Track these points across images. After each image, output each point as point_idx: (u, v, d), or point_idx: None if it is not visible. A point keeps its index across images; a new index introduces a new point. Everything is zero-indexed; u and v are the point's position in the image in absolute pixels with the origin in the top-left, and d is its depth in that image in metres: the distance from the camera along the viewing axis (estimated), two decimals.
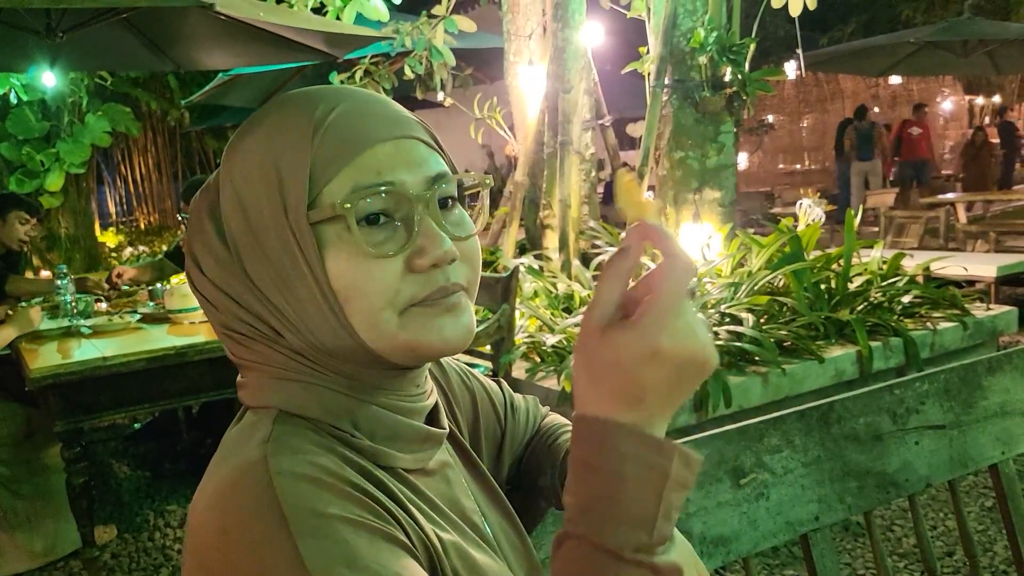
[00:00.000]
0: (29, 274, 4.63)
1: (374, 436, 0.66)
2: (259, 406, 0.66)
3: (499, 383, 0.95)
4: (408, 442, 0.68)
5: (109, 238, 10.57)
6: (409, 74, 5.24)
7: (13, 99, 6.20)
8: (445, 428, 0.74)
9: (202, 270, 0.66)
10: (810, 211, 4.56)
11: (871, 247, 4.05)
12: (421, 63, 5.19)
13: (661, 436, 0.55)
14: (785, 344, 3.27)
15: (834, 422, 1.15)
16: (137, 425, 4.24)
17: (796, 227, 4.13)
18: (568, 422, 0.95)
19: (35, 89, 6.22)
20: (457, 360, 0.91)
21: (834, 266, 3.77)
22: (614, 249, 0.58)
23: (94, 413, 2.61)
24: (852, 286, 3.70)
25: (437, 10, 5.06)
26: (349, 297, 0.62)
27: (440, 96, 5.23)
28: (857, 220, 3.92)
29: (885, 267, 3.88)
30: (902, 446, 1.20)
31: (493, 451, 0.90)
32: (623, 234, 0.60)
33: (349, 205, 0.60)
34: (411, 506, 0.63)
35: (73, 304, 3.18)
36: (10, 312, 2.98)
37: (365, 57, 5.38)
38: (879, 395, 1.20)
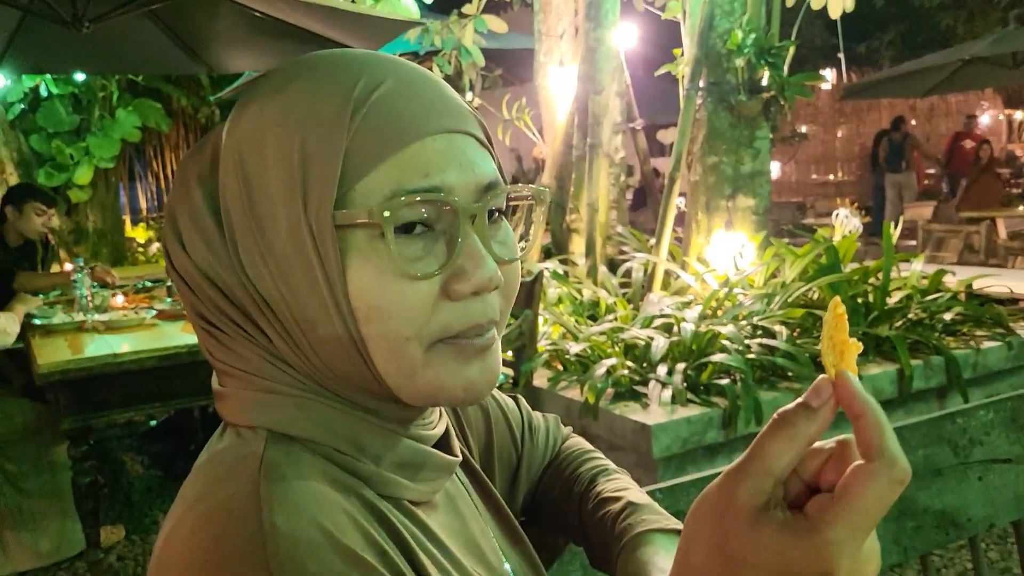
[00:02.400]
0: (56, 267, 4.61)
1: (380, 461, 0.55)
2: (244, 424, 0.54)
3: (516, 400, 0.85)
4: (417, 469, 0.57)
5: (139, 233, 10.63)
6: (437, 73, 5.17)
7: (44, 92, 6.21)
8: (458, 455, 0.63)
9: (184, 247, 0.55)
10: (846, 222, 4.41)
11: (909, 261, 3.89)
12: (450, 63, 5.12)
13: None
14: (820, 360, 3.12)
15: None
16: (153, 423, 4.20)
17: (832, 238, 3.98)
18: (592, 448, 0.85)
19: (66, 83, 6.24)
20: None
21: (872, 280, 3.62)
22: (799, 401, 0.45)
23: (103, 411, 2.55)
24: (891, 301, 3.55)
25: (468, 9, 4.99)
26: (370, 319, 0.51)
27: (468, 97, 5.16)
28: (896, 233, 3.77)
29: (926, 282, 3.72)
30: (964, 481, 1.08)
31: (508, 477, 0.80)
32: (818, 380, 0.46)
33: (389, 213, 0.49)
34: (422, 554, 0.53)
35: (89, 298, 3.13)
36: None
37: None
38: (939, 424, 1.08)
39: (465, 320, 0.53)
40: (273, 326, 0.54)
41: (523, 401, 0.85)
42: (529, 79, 5.26)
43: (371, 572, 0.46)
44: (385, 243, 0.50)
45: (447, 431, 0.63)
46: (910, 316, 3.49)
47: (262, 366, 0.55)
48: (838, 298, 0.50)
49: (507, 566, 0.65)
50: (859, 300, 3.50)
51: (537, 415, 0.86)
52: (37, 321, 2.93)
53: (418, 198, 0.50)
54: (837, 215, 4.55)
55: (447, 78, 5.25)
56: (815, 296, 3.51)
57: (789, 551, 0.41)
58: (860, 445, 0.43)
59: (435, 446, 0.60)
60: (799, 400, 0.45)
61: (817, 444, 0.45)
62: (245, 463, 0.50)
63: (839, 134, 14.51)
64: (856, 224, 4.41)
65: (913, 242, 6.78)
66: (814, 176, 14.59)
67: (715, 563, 0.44)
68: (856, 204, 6.02)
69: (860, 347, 0.47)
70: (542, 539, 0.81)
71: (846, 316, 0.47)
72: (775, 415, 0.44)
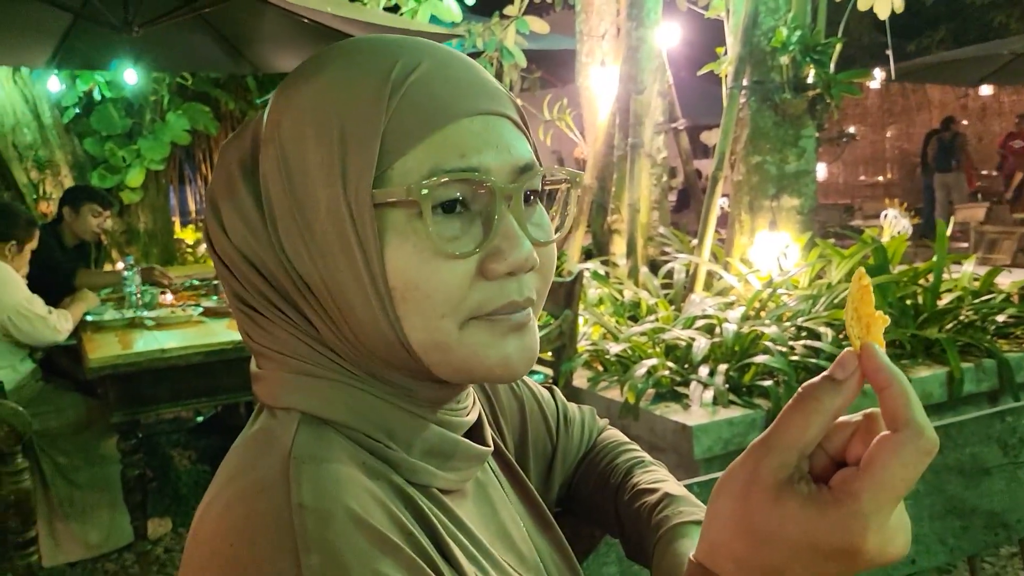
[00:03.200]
0: (108, 266, 4.73)
1: (411, 449, 0.55)
2: (278, 406, 0.55)
3: (552, 391, 0.84)
4: (448, 458, 0.58)
5: (188, 234, 10.86)
6: None
7: (97, 96, 6.38)
8: (489, 445, 0.63)
9: (227, 232, 0.56)
10: (895, 223, 4.33)
11: (961, 262, 3.79)
12: (492, 64, 5.14)
13: None
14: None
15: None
16: (200, 418, 4.28)
17: (880, 239, 3.90)
18: (628, 440, 0.84)
19: (118, 87, 6.40)
20: None
21: (921, 281, 3.54)
22: (824, 374, 0.44)
23: (151, 405, 2.61)
24: (941, 303, 3.46)
25: (509, 11, 5.00)
26: (407, 297, 0.51)
27: None
28: (948, 233, 3.68)
29: (978, 284, 3.63)
30: (1013, 481, 1.05)
31: (543, 468, 0.80)
32: (842, 354, 0.45)
33: (427, 191, 0.49)
34: (451, 541, 0.53)
35: (138, 296, 3.20)
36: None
37: None
38: (988, 422, 1.05)
39: (500, 299, 0.53)
40: (312, 306, 0.54)
41: (559, 392, 0.85)
42: (570, 80, 5.25)
43: (396, 552, 0.46)
44: (423, 222, 0.50)
45: (480, 420, 0.64)
46: (961, 318, 3.40)
47: (298, 348, 0.55)
48: (862, 270, 0.48)
49: (535, 556, 0.65)
50: (908, 302, 3.42)
51: (573, 406, 0.85)
52: (89, 317, 3.01)
53: (455, 178, 0.51)
54: (886, 216, 4.47)
55: None
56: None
57: (813, 524, 0.41)
58: (886, 416, 0.42)
59: (467, 434, 0.61)
60: (824, 373, 0.44)
61: (844, 418, 0.45)
62: (277, 444, 0.51)
63: (888, 134, 14.21)
64: (905, 225, 4.32)
65: (965, 244, 6.61)
66: (862, 177, 14.32)
67: (740, 538, 0.44)
68: (905, 205, 5.88)
69: (887, 320, 0.45)
70: (577, 530, 0.81)
71: (871, 288, 0.46)
72: (800, 389, 0.44)
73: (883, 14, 4.05)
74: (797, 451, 0.43)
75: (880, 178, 14.12)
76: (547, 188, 0.59)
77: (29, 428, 2.29)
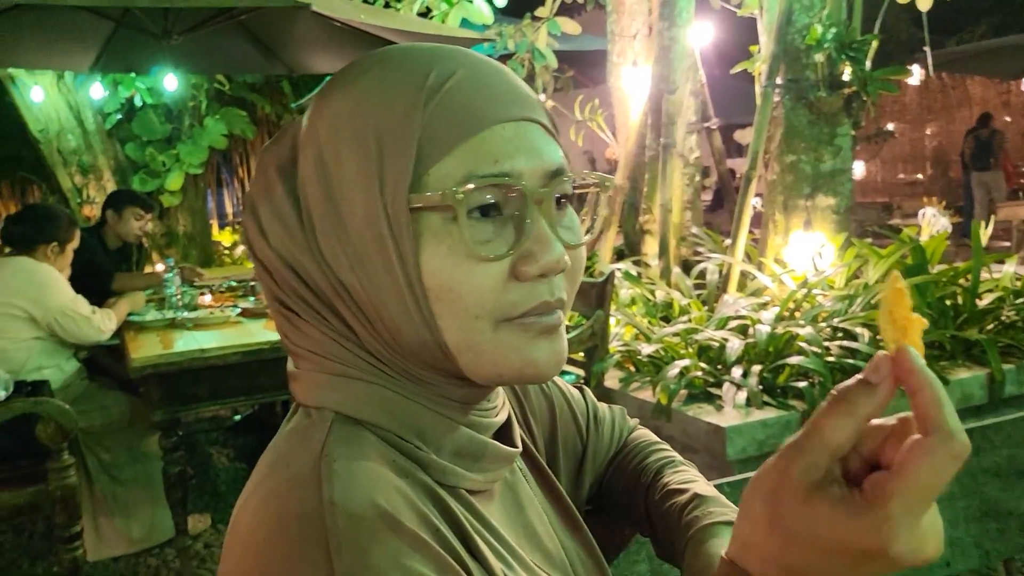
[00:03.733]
0: (148, 268, 4.83)
1: (440, 450, 0.57)
2: (313, 405, 0.57)
3: (582, 390, 0.85)
4: (476, 459, 0.59)
5: (225, 237, 11.03)
6: None
7: (138, 102, 6.52)
8: (518, 446, 0.64)
9: (265, 235, 0.57)
10: (934, 221, 4.26)
11: (1002, 262, 3.72)
12: (523, 65, 5.16)
13: None
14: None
15: (971, 453, 1.00)
16: (237, 417, 4.35)
17: (919, 238, 3.84)
18: (659, 440, 0.85)
19: (158, 93, 6.53)
20: None
21: (961, 281, 3.48)
22: (857, 377, 0.44)
23: (191, 404, 2.66)
24: (981, 303, 3.40)
25: (541, 12, 5.01)
26: (442, 299, 0.53)
27: (541, 98, 5.17)
28: (988, 232, 3.61)
29: (1020, 284, 3.56)
30: None
31: (572, 468, 0.81)
32: (877, 356, 0.45)
33: (463, 196, 0.51)
34: (479, 539, 0.54)
35: (178, 297, 3.27)
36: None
37: None
38: None
39: (532, 299, 0.54)
40: (349, 308, 0.56)
41: (589, 392, 0.86)
42: (602, 80, 5.25)
43: (425, 548, 0.48)
44: (458, 225, 0.52)
45: (509, 421, 0.65)
46: (1002, 319, 3.34)
47: (334, 349, 0.57)
48: (897, 272, 0.49)
49: (563, 556, 0.66)
50: (947, 302, 3.37)
51: (603, 406, 0.86)
52: (131, 318, 3.08)
53: (489, 183, 0.52)
54: (924, 215, 4.40)
55: None
56: None
57: (844, 526, 0.42)
58: (918, 420, 0.43)
59: (496, 435, 0.62)
60: (857, 376, 0.45)
61: (878, 421, 0.45)
62: (310, 443, 0.53)
63: (928, 131, 13.96)
64: (944, 224, 4.25)
65: (1008, 243, 6.48)
66: (901, 176, 14.08)
67: (771, 538, 0.44)
68: (945, 204, 5.78)
69: (925, 323, 0.45)
70: (608, 530, 0.81)
71: (907, 291, 0.46)
72: (832, 391, 0.44)
73: (924, 5, 3.99)
74: (828, 454, 0.43)
75: (919, 176, 13.87)
76: (577, 192, 0.60)
77: (75, 425, 2.36)
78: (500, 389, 0.65)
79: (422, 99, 0.53)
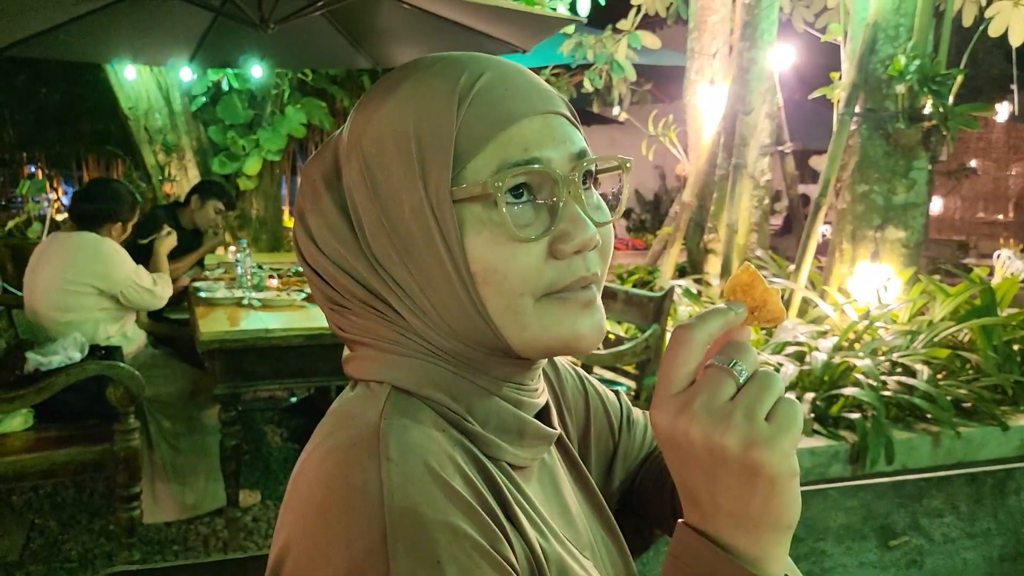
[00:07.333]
0: (220, 251, 5.00)
1: (486, 424, 0.62)
2: (371, 379, 0.63)
3: (617, 394, 0.89)
4: (518, 436, 0.64)
5: None
6: (588, 87, 5.24)
7: (224, 87, 6.76)
8: (556, 429, 0.69)
9: (315, 242, 0.63)
10: (1009, 263, 4.14)
11: None
12: (601, 77, 5.18)
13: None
14: (963, 404, 2.96)
15: (1012, 492, 1.00)
16: (293, 399, 4.48)
17: (990, 279, 3.74)
18: None
19: (244, 79, 6.76)
20: (574, 365, 0.86)
21: None
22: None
23: (252, 381, 2.76)
24: None
25: (622, 24, 5.03)
26: (487, 280, 0.58)
27: (616, 111, 5.19)
28: None
29: None
30: None
31: (603, 464, 0.85)
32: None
33: (501, 184, 0.56)
34: (517, 508, 0.59)
35: (248, 278, 3.40)
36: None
37: (546, 68, 5.43)
38: None
39: (570, 275, 0.59)
40: (402, 300, 0.61)
41: (623, 395, 0.90)
42: (678, 96, 5.24)
43: (468, 508, 0.53)
44: (498, 211, 0.57)
45: (548, 407, 0.70)
46: None
47: (388, 334, 0.62)
48: (749, 264, 0.57)
49: (590, 537, 0.70)
50: (1015, 347, 3.28)
51: (637, 410, 0.90)
52: (203, 295, 3.21)
53: (523, 170, 0.58)
54: (999, 256, 4.28)
55: (596, 91, 5.31)
56: (965, 338, 3.32)
57: (695, 431, 0.51)
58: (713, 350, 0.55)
59: (536, 417, 0.66)
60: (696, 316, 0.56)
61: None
62: (370, 408, 0.59)
63: (1013, 171, 13.48)
64: (1020, 267, 4.13)
65: None
66: (981, 214, 13.62)
67: (685, 473, 0.53)
68: (1023, 247, 5.60)
69: (778, 291, 0.55)
70: (637, 528, 0.85)
71: (759, 273, 0.55)
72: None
73: (1016, 40, 3.89)
74: (680, 379, 0.53)
75: (1000, 216, 13.40)
76: (599, 175, 0.65)
77: (143, 391, 2.47)
78: (540, 374, 0.69)
79: (455, 100, 0.58)
